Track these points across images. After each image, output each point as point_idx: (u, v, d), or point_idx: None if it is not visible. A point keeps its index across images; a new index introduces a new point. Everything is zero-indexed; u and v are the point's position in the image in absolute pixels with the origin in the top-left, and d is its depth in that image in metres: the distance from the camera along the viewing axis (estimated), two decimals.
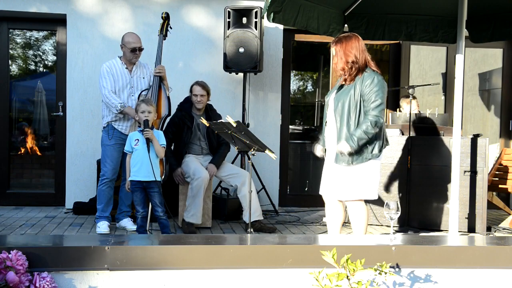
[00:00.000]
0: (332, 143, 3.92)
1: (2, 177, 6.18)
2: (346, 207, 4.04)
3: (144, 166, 4.26)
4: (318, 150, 4.13)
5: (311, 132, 7.01)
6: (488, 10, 5.12)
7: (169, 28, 5.12)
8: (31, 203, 6.13)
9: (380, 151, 3.82)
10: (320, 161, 4.11)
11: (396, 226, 5.11)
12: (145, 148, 4.25)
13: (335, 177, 3.89)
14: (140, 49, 4.92)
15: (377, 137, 3.80)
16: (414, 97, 6.02)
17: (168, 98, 4.98)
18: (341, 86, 3.92)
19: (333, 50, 3.92)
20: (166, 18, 5.09)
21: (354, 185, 3.82)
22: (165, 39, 5.09)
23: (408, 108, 5.54)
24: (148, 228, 4.56)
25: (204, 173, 4.96)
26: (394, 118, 5.69)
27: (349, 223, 4.18)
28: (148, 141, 4.25)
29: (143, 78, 5.00)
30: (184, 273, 2.67)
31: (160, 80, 4.92)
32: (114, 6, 6.12)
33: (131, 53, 4.87)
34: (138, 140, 4.32)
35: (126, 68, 4.93)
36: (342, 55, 3.84)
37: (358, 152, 3.75)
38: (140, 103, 4.40)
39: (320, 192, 4.06)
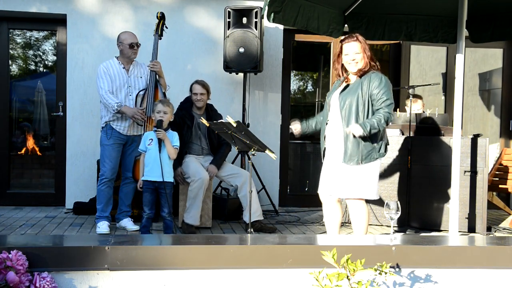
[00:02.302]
0: (333, 143, 3.91)
1: (2, 177, 6.18)
2: (346, 206, 4.04)
3: (156, 166, 4.29)
4: (295, 126, 4.13)
5: None
6: (488, 10, 5.11)
7: (164, 28, 5.13)
8: (31, 203, 6.13)
9: (386, 150, 3.87)
10: (320, 161, 4.11)
11: (396, 226, 5.11)
12: (157, 149, 4.28)
13: (337, 175, 3.88)
14: (138, 45, 4.94)
15: (383, 137, 3.84)
16: (420, 97, 6.04)
17: (165, 97, 4.98)
18: (346, 86, 3.92)
19: (354, 45, 3.84)
20: (161, 17, 5.09)
21: (357, 184, 3.81)
22: (160, 38, 5.09)
23: (415, 108, 5.54)
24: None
25: (204, 174, 4.95)
26: (394, 118, 5.68)
27: (350, 223, 4.18)
28: (160, 141, 4.28)
29: (141, 77, 5.01)
30: (184, 273, 2.67)
31: (156, 79, 4.93)
32: (114, 6, 6.12)
33: (130, 49, 4.89)
34: (152, 140, 4.36)
35: (124, 67, 4.94)
36: (367, 50, 3.84)
37: (365, 152, 3.77)
38: (158, 103, 4.47)
39: (318, 191, 4.06)
